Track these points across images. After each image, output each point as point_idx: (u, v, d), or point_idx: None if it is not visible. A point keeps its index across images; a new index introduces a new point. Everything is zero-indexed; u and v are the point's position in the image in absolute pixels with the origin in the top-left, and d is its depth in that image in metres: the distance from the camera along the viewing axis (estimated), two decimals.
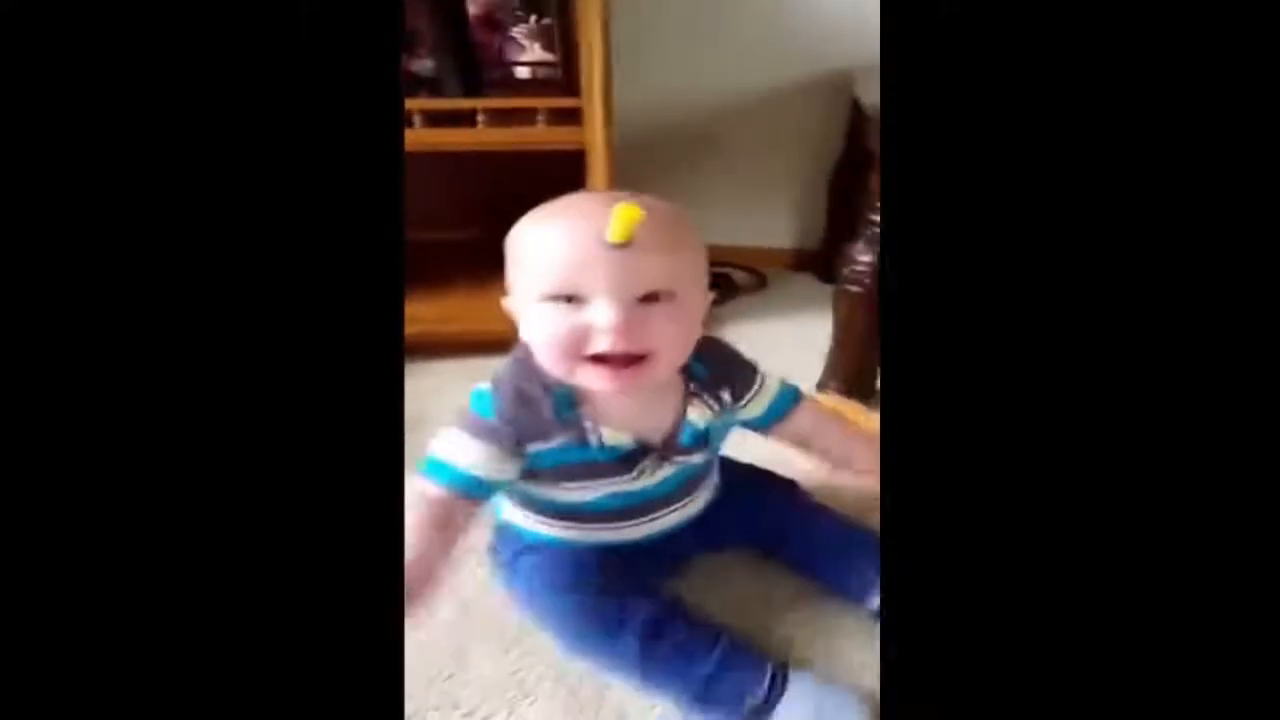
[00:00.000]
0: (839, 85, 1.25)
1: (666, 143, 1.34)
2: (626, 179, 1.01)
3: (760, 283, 1.39)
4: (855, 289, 0.91)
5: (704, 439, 0.62)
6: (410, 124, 0.97)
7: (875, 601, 0.64)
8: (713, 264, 0.59)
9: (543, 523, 0.65)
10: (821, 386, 0.99)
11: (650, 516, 0.65)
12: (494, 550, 0.70)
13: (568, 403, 0.57)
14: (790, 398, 0.67)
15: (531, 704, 0.60)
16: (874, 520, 0.68)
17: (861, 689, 0.59)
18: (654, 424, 0.60)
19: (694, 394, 0.61)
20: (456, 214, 1.38)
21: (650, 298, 0.51)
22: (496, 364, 1.07)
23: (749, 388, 0.64)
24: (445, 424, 0.57)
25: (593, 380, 0.52)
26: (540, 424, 0.56)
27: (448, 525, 0.53)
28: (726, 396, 0.62)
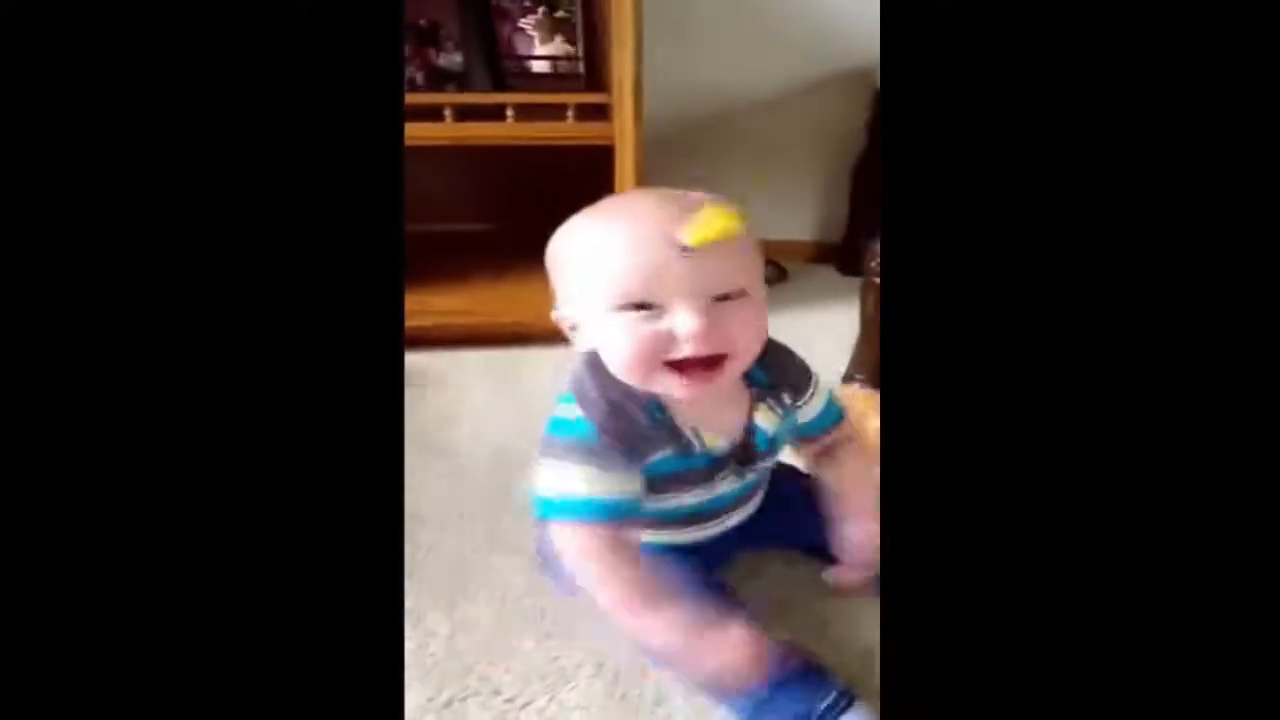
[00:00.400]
0: (862, 80, 1.25)
1: (688, 136, 1.34)
2: (649, 172, 1.02)
3: (780, 275, 1.39)
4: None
5: (774, 444, 0.62)
6: (440, 118, 0.97)
7: None
8: None
9: None
10: (848, 378, 0.99)
11: (717, 520, 0.65)
12: (545, 550, 0.67)
13: (658, 408, 0.56)
14: (837, 414, 0.66)
15: (572, 689, 0.60)
16: None
17: None
18: (726, 428, 0.59)
19: (759, 399, 0.60)
20: (476, 206, 1.39)
21: (722, 297, 0.50)
22: (517, 355, 1.07)
23: (806, 387, 0.63)
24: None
25: (672, 386, 0.52)
26: (638, 433, 0.55)
27: (627, 547, 0.53)
28: (788, 399, 0.62)
